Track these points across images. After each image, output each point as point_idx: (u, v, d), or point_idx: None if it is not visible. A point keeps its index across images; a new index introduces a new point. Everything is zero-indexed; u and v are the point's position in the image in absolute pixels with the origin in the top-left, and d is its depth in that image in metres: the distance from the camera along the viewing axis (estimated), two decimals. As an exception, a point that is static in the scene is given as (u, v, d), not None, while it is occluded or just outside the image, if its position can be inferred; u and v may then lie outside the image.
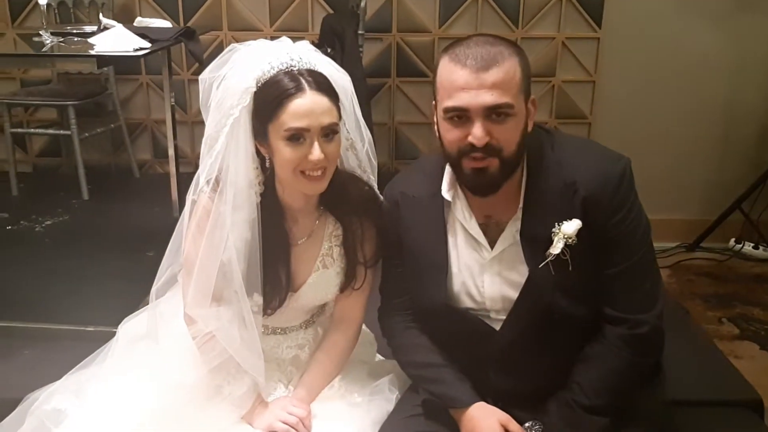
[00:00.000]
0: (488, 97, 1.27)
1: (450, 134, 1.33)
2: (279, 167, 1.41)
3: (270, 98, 1.36)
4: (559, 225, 1.32)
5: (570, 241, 1.32)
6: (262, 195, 1.45)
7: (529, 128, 1.36)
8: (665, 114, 3.49)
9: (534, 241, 1.35)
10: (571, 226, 1.31)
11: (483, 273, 1.42)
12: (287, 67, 1.38)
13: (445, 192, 1.43)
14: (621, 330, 1.35)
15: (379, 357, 1.76)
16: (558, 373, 1.39)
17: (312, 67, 1.40)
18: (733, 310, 2.92)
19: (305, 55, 1.42)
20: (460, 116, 1.30)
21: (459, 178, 1.39)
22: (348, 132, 1.50)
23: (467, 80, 1.28)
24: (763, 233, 3.39)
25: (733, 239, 3.46)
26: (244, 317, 1.43)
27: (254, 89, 1.38)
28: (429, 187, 1.46)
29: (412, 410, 1.47)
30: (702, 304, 2.96)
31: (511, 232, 1.39)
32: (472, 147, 1.30)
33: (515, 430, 1.37)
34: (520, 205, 1.37)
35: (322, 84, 1.38)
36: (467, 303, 1.44)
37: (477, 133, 1.28)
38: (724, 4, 3.34)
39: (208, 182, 1.44)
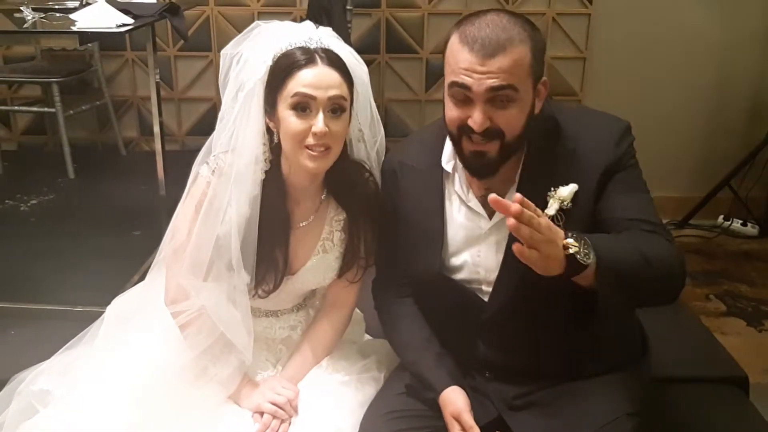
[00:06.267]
0: (492, 81, 1.26)
1: (452, 112, 1.32)
2: (284, 140, 1.40)
3: (282, 68, 1.37)
4: (554, 189, 1.33)
5: (565, 204, 1.32)
6: (267, 172, 1.44)
7: (537, 110, 1.34)
8: (656, 91, 3.48)
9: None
10: (566, 190, 1.32)
11: (480, 243, 1.42)
12: (304, 45, 1.39)
13: (445, 163, 1.43)
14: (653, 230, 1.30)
15: (367, 336, 1.76)
16: (546, 346, 1.40)
17: (329, 48, 1.40)
18: (721, 287, 2.95)
19: (325, 38, 1.42)
20: (464, 95, 1.29)
21: (459, 156, 1.38)
22: (360, 123, 1.49)
23: (472, 65, 1.26)
24: (751, 210, 3.40)
25: (721, 216, 3.48)
26: (234, 294, 1.43)
27: (270, 64, 1.39)
28: (428, 157, 1.46)
29: (400, 389, 1.48)
30: (690, 281, 2.98)
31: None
32: (473, 130, 1.29)
33: (466, 421, 1.36)
34: (518, 171, 1.37)
35: (336, 61, 1.38)
36: (461, 273, 1.44)
37: (477, 118, 1.27)
38: (715, -20, 3.33)
39: (213, 171, 1.43)
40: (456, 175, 1.44)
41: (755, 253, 3.27)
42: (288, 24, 1.46)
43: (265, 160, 1.44)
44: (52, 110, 3.30)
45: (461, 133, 1.32)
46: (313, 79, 1.35)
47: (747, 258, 3.22)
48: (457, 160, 1.42)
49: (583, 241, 1.17)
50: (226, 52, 1.46)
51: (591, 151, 1.33)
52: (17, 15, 2.49)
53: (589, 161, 1.33)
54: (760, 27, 3.41)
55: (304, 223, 1.51)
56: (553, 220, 1.31)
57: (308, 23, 1.47)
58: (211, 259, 1.42)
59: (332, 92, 1.35)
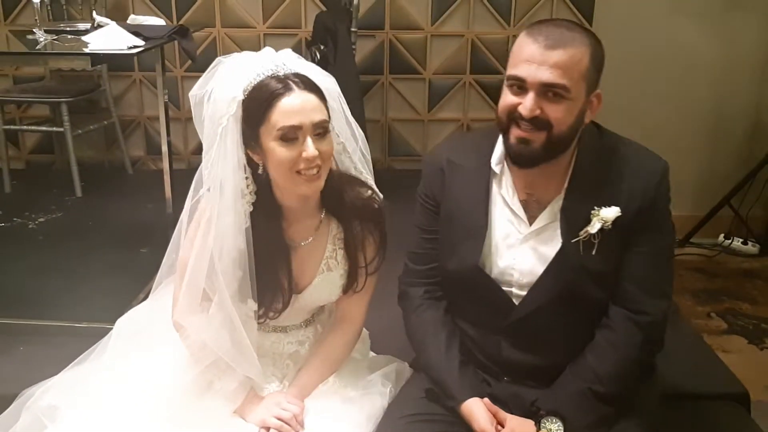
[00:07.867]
0: (547, 74, 1.30)
1: (505, 99, 1.37)
2: (274, 170, 1.41)
3: (259, 101, 1.38)
4: (598, 208, 1.37)
5: (606, 225, 1.37)
6: (255, 204, 1.46)
7: (587, 119, 1.39)
8: (656, 111, 3.51)
9: (573, 220, 1.39)
10: (611, 212, 1.37)
11: (518, 247, 1.45)
12: (273, 73, 1.40)
13: (494, 164, 1.46)
14: (632, 315, 1.40)
15: (372, 354, 1.77)
16: (568, 353, 1.44)
17: (297, 71, 1.42)
18: (722, 305, 2.96)
19: (289, 61, 1.44)
20: (519, 86, 1.34)
21: (504, 145, 1.41)
22: (338, 135, 1.51)
23: (533, 54, 1.31)
24: (752, 229, 3.42)
25: (722, 235, 3.49)
26: (234, 323, 1.44)
27: (242, 98, 1.40)
28: (477, 157, 1.48)
29: (420, 393, 1.50)
30: (691, 299, 2.99)
31: (553, 210, 1.42)
32: (522, 117, 1.33)
33: None
34: (565, 185, 1.41)
35: (309, 84, 1.41)
36: (495, 274, 1.47)
37: (527, 104, 1.32)
38: (713, 3, 3.37)
39: (209, 189, 1.45)
40: (503, 178, 1.47)
41: (756, 271, 3.28)
42: (248, 54, 1.47)
43: (250, 192, 1.45)
44: (61, 130, 3.33)
45: (510, 120, 1.36)
46: (295, 108, 1.36)
47: (748, 276, 3.23)
48: (506, 164, 1.46)
49: (550, 420, 1.39)
50: (193, 93, 1.47)
51: (636, 183, 1.39)
52: (30, 37, 2.54)
53: (633, 191, 1.39)
54: (757, 46, 3.45)
55: (305, 242, 1.53)
56: (590, 237, 1.37)
57: (268, 49, 1.47)
58: (209, 287, 1.44)
59: (316, 117, 1.38)
